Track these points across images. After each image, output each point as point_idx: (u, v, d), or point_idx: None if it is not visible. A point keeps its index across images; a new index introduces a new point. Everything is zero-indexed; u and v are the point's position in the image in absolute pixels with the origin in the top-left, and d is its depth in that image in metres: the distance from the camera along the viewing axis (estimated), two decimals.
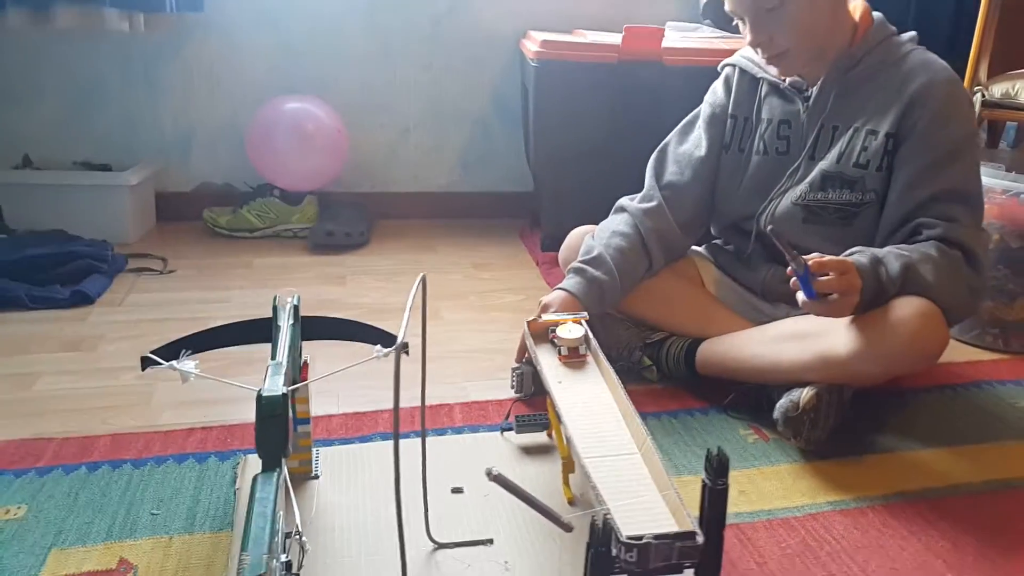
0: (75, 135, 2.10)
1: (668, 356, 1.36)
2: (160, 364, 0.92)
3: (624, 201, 1.42)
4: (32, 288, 1.61)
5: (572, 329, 1.10)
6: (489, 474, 0.79)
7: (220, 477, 1.08)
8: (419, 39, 2.23)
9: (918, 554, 0.96)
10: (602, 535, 0.76)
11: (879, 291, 1.09)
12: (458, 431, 1.22)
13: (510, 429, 1.21)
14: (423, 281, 0.81)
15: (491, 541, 0.97)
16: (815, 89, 1.28)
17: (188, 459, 1.12)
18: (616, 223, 1.38)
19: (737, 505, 1.04)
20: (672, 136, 1.46)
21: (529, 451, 1.17)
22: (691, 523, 0.76)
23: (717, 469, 0.76)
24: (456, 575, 0.91)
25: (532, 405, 1.29)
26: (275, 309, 1.04)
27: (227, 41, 2.13)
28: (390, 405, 1.28)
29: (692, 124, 1.44)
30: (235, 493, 1.05)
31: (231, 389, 1.32)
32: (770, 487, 1.09)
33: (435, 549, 0.95)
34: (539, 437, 1.20)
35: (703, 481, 0.78)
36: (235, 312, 1.64)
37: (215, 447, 1.15)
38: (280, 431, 0.82)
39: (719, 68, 1.44)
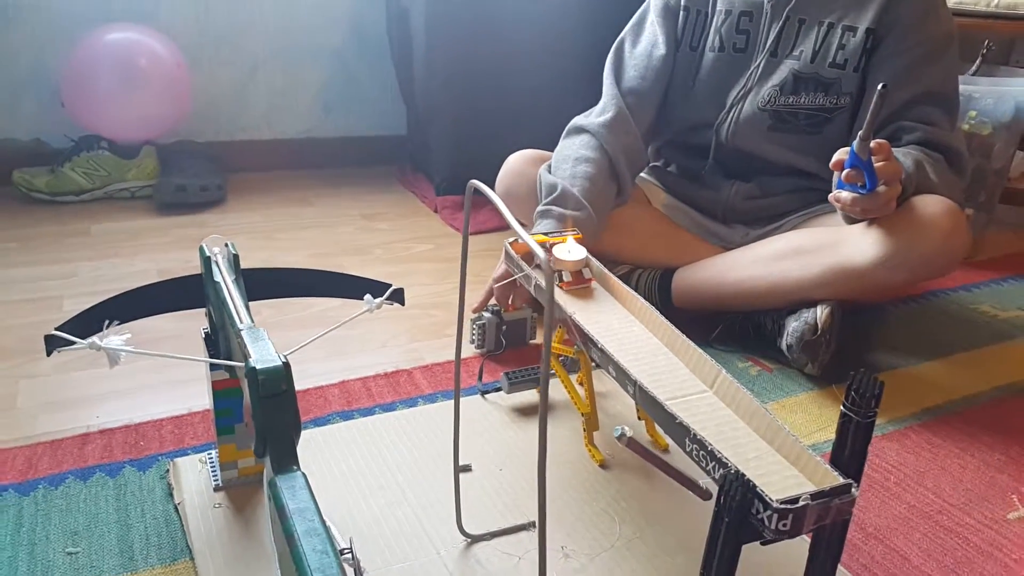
0: None
1: (638, 291, 1.22)
2: (75, 343, 0.63)
3: (580, 120, 1.24)
4: None
5: (572, 249, 0.90)
6: (621, 438, 0.61)
7: (147, 491, 0.81)
8: None
9: (981, 471, 0.91)
10: (739, 501, 0.61)
11: (906, 188, 1.00)
12: (431, 399, 1.02)
13: (491, 391, 1.03)
14: (471, 190, 0.60)
15: (534, 524, 0.79)
16: None
17: (95, 473, 0.83)
18: (577, 147, 1.20)
19: None
20: (626, 34, 1.30)
21: (525, 412, 0.99)
22: (832, 473, 0.63)
23: (869, 398, 0.63)
24: (508, 572, 0.72)
25: (502, 361, 1.12)
26: (206, 262, 0.77)
27: None
28: (334, 379, 1.06)
29: (643, 20, 1.28)
30: (177, 509, 0.78)
31: (122, 379, 1.03)
32: (798, 420, 0.99)
33: (470, 543, 0.76)
34: (532, 396, 1.02)
35: (846, 414, 0.65)
36: (92, 288, 1.30)
37: (125, 454, 0.87)
38: (291, 411, 0.59)
39: None
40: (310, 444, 0.90)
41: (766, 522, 0.60)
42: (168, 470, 0.84)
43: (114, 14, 1.79)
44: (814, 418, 1.00)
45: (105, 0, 1.79)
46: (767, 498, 0.60)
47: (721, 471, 0.63)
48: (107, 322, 0.68)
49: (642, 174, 1.39)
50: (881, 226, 1.01)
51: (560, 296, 0.89)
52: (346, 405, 0.99)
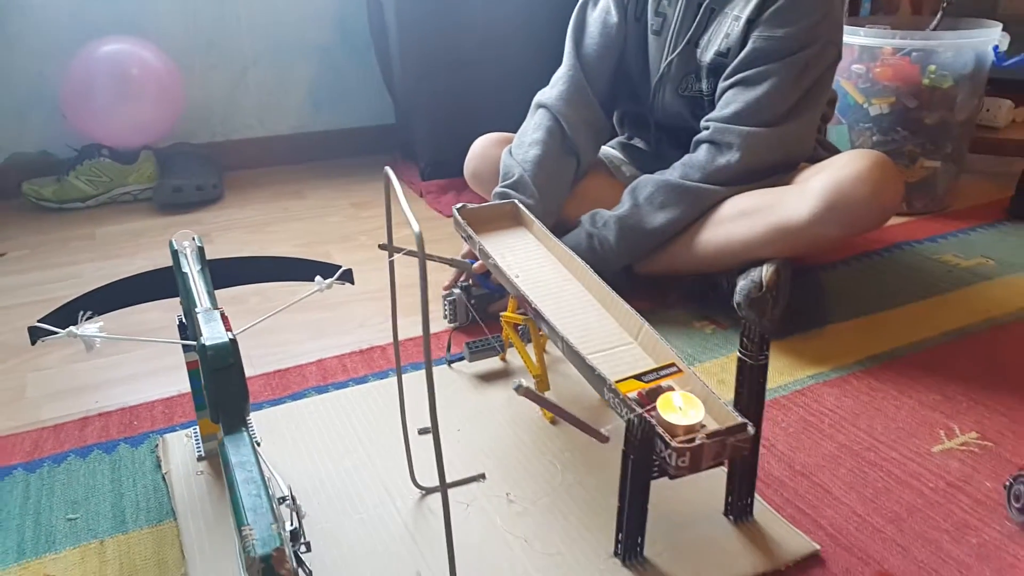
0: None
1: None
2: (56, 333, 0.72)
3: (541, 95, 1.30)
4: None
5: (684, 405, 0.74)
6: (518, 389, 0.69)
7: (139, 464, 0.90)
8: None
9: (915, 411, 0.96)
10: (642, 442, 0.68)
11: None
12: (402, 371, 1.09)
13: (457, 360, 1.10)
14: (394, 177, 0.67)
15: (483, 476, 0.86)
16: None
17: (93, 451, 0.92)
18: (532, 128, 1.27)
19: (721, 396, 0.99)
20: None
21: (487, 378, 1.07)
22: (731, 413, 0.69)
23: (758, 343, 0.70)
24: (457, 517, 0.80)
25: (470, 332, 1.19)
26: (175, 255, 0.85)
27: None
28: (311, 358, 1.14)
29: None
30: (164, 479, 0.87)
31: (118, 368, 1.12)
32: None
33: (424, 495, 0.84)
34: (493, 363, 1.10)
35: (740, 358, 0.71)
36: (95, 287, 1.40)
37: (121, 433, 0.96)
38: (238, 382, 0.67)
39: None
40: (287, 417, 0.98)
41: (668, 460, 0.67)
42: (157, 445, 0.93)
43: (107, 27, 1.87)
44: None
45: (98, 14, 1.88)
46: (666, 438, 0.67)
47: (628, 415, 0.70)
48: (82, 313, 0.76)
49: (607, 148, 1.45)
50: (814, 184, 1.06)
51: (504, 262, 0.96)
52: (322, 380, 1.07)
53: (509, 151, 1.28)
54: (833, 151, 1.28)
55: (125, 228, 1.72)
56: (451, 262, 1.14)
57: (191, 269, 0.81)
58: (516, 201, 1.08)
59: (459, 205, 1.03)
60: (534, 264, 0.97)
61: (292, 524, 0.67)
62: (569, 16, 1.36)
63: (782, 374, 1.04)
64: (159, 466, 0.90)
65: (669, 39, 1.23)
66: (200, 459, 0.90)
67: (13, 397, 1.05)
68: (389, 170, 0.64)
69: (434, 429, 0.59)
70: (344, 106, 2.20)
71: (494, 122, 1.48)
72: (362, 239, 1.63)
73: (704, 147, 1.17)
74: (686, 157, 1.19)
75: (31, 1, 1.81)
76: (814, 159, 1.20)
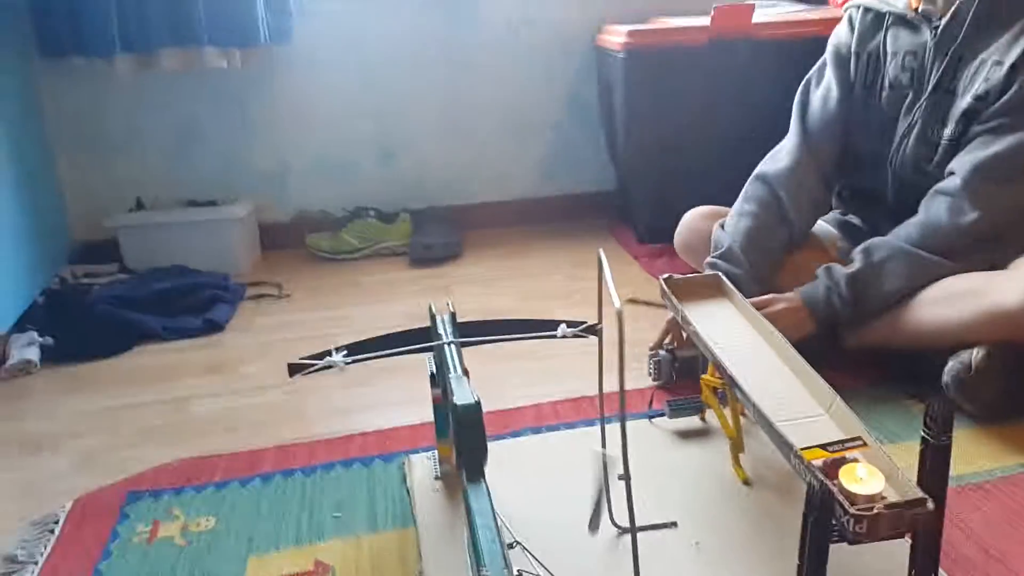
0: (179, 175, 2.17)
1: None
2: (314, 365, 0.93)
3: (763, 167, 1.39)
4: (164, 320, 1.66)
5: (866, 476, 0.81)
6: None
7: (389, 477, 1.10)
8: (495, 52, 2.26)
9: None
10: (822, 504, 0.75)
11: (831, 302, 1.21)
12: (608, 420, 1.21)
13: (657, 416, 1.20)
14: (604, 259, 0.81)
15: (675, 524, 0.96)
16: (946, 18, 1.23)
17: (354, 464, 1.14)
18: (746, 200, 1.36)
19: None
20: (812, 75, 1.43)
21: (685, 435, 1.16)
22: (913, 488, 0.74)
23: (942, 423, 0.74)
24: (648, 558, 0.90)
25: (672, 391, 1.29)
26: (432, 318, 1.04)
27: (313, 70, 2.18)
28: (529, 402, 1.29)
29: (823, 65, 1.42)
30: (408, 492, 1.06)
31: (377, 396, 1.35)
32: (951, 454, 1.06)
33: (620, 534, 0.95)
34: (692, 422, 1.19)
35: (924, 437, 0.76)
36: (360, 327, 1.67)
37: (377, 451, 1.17)
38: (480, 438, 0.83)
39: (843, 10, 1.42)
40: (507, 452, 1.14)
41: (847, 525, 0.73)
42: (404, 463, 1.13)
43: (370, 110, 2.23)
44: (966, 452, 1.06)
45: (370, 100, 2.23)
46: (845, 505, 0.73)
47: (811, 480, 0.76)
48: (334, 348, 0.97)
49: (821, 222, 1.50)
50: None
51: (703, 329, 1.06)
52: (536, 422, 1.22)
53: (721, 224, 1.37)
54: None
55: (384, 277, 2.01)
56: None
57: (446, 334, 0.99)
58: (719, 273, 1.17)
59: (665, 276, 1.15)
60: (733, 333, 1.06)
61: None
62: (783, 102, 1.44)
63: (988, 459, 1.04)
64: (404, 480, 1.09)
65: (922, 89, 1.27)
66: (437, 478, 1.08)
67: (294, 415, 1.31)
68: (601, 252, 0.78)
69: (626, 474, 0.71)
70: (571, 174, 2.40)
71: (707, 194, 1.58)
72: (576, 297, 1.79)
73: (943, 204, 1.19)
74: (922, 216, 1.22)
75: (325, 80, 2.19)
76: None
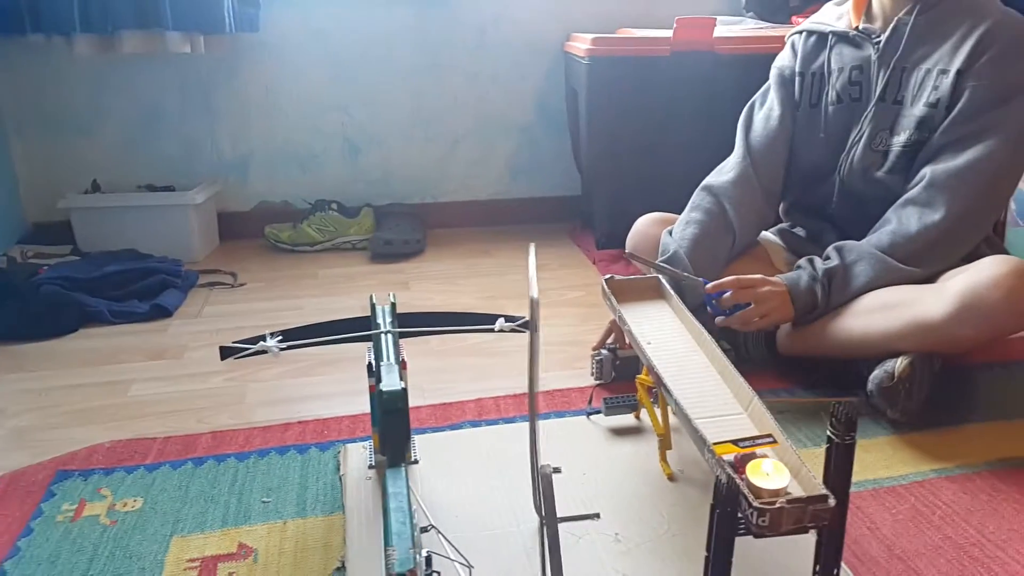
0: (138, 159, 2.16)
1: (748, 339, 1.36)
2: (247, 349, 0.93)
3: (709, 179, 1.43)
4: (111, 303, 1.65)
5: (772, 472, 0.84)
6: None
7: (323, 466, 1.10)
8: (465, 51, 2.27)
9: None
10: (727, 497, 0.77)
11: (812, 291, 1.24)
12: (545, 416, 1.23)
13: (595, 413, 1.22)
14: (533, 252, 0.83)
15: (598, 515, 0.98)
16: (886, 33, 1.28)
17: (289, 450, 1.14)
18: (693, 208, 1.39)
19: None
20: (756, 97, 1.47)
21: (619, 432, 1.17)
22: (818, 485, 0.76)
23: (845, 424, 0.77)
24: (569, 547, 0.92)
25: (612, 390, 1.30)
26: (372, 308, 1.05)
27: (280, 60, 2.18)
28: (472, 396, 1.31)
29: (767, 90, 1.46)
30: (341, 479, 1.07)
31: (319, 387, 1.36)
32: (871, 458, 1.09)
33: (541, 524, 0.96)
34: (627, 419, 1.21)
35: (829, 437, 0.78)
36: (312, 318, 1.67)
37: (314, 439, 1.17)
38: (403, 425, 0.84)
39: (786, 38, 1.46)
40: (445, 443, 1.15)
41: (750, 518, 0.75)
42: (340, 452, 1.13)
43: (347, 102, 2.23)
44: (886, 457, 1.09)
45: (340, 92, 2.24)
46: (750, 498, 0.75)
47: (719, 473, 0.78)
48: (268, 333, 0.97)
49: (767, 233, 1.53)
50: (952, 285, 1.09)
51: (638, 330, 1.08)
52: (477, 416, 1.23)
53: (669, 231, 1.40)
54: (997, 251, 1.28)
55: (342, 271, 2.01)
56: (683, 277, 1.27)
57: (384, 323, 1.00)
58: (659, 276, 1.19)
59: (607, 276, 1.17)
60: (666, 334, 1.08)
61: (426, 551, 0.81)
62: (742, 105, 1.48)
63: (905, 464, 1.06)
64: (338, 469, 1.09)
65: (869, 99, 1.31)
66: (370, 467, 1.08)
67: (234, 401, 1.31)
68: (532, 247, 0.80)
69: (533, 466, 0.72)
70: (537, 177, 2.43)
71: (665, 202, 1.59)
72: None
73: (914, 213, 1.22)
74: (894, 223, 1.24)
75: (293, 71, 2.19)
76: (974, 255, 1.21)
